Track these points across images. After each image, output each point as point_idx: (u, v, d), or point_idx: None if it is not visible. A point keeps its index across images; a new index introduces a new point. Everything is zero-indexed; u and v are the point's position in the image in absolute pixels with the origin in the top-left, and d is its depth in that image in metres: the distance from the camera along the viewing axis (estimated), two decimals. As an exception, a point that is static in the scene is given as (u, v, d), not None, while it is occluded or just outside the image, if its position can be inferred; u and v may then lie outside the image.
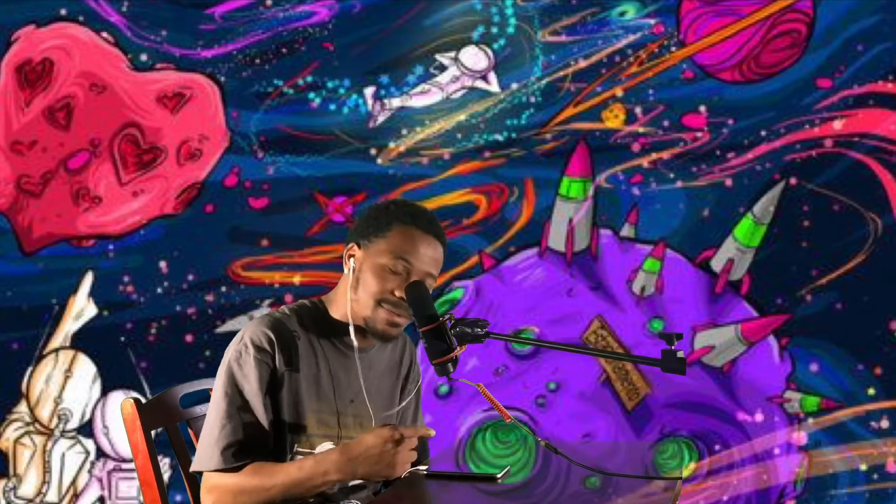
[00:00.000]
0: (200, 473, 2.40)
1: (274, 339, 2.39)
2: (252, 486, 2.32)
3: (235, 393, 2.37)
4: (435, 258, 2.46)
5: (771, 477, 4.17)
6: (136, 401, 2.50)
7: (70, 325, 4.42)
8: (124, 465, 4.39)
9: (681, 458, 4.20)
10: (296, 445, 2.42)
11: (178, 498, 4.25)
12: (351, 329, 2.46)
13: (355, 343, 2.47)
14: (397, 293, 2.41)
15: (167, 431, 2.59)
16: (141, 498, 4.38)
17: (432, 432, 2.36)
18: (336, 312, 2.49)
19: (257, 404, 2.36)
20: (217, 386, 2.40)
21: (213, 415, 2.38)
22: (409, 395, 2.63)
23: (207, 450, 2.35)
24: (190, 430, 2.64)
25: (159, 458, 2.55)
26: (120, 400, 4.37)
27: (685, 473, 4.16)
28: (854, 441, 4.14)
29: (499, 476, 2.44)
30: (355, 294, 2.44)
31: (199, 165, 4.37)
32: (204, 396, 2.66)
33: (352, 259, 2.48)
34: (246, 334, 2.40)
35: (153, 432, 2.54)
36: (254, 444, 2.35)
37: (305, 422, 2.41)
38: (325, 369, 2.46)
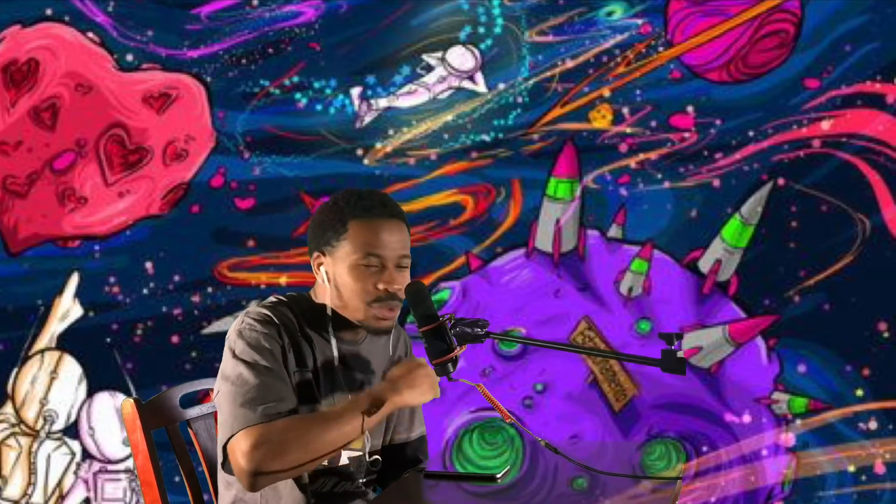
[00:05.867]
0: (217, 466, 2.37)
1: (274, 318, 2.36)
2: (299, 425, 2.25)
3: (251, 363, 2.31)
4: (401, 239, 2.42)
5: (759, 478, 4.16)
6: (137, 401, 2.49)
7: (56, 325, 4.40)
8: (110, 467, 4.38)
9: (668, 460, 4.19)
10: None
11: (170, 499, 4.23)
12: (333, 343, 2.44)
13: (336, 354, 2.44)
14: (381, 286, 2.38)
15: (167, 431, 2.58)
16: (127, 499, 4.37)
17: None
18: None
19: (277, 369, 2.31)
20: (226, 369, 2.33)
21: (231, 389, 2.29)
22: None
23: (239, 413, 2.26)
24: (190, 430, 2.63)
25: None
26: (106, 401, 4.39)
27: (668, 475, 4.14)
28: (842, 442, 4.13)
29: (499, 476, 2.43)
30: (342, 301, 2.41)
31: (185, 166, 4.36)
32: (203, 396, 2.66)
33: (321, 268, 2.44)
34: (246, 317, 2.37)
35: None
36: (286, 402, 2.29)
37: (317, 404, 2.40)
38: (318, 359, 2.43)
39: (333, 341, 2.44)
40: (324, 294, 2.44)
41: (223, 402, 2.31)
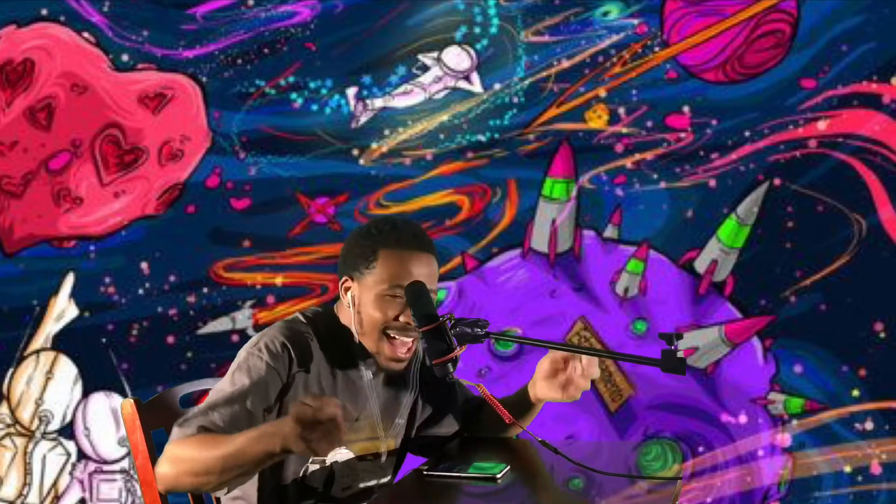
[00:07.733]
0: None
1: (290, 346, 2.38)
2: (192, 453, 2.23)
3: (239, 387, 2.32)
4: (429, 273, 2.44)
5: (755, 479, 4.16)
6: (137, 401, 2.50)
7: (51, 326, 4.40)
8: (105, 467, 4.38)
9: (665, 460, 4.18)
10: (310, 457, 2.40)
11: (170, 499, 4.22)
12: (363, 368, 2.48)
13: (368, 376, 2.49)
14: (402, 319, 2.41)
15: (167, 431, 2.57)
16: (122, 500, 4.37)
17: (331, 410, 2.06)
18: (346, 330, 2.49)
19: (254, 404, 2.31)
20: (227, 374, 2.38)
21: (212, 396, 2.33)
22: (420, 406, 2.69)
23: (184, 422, 2.30)
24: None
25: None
26: (101, 402, 4.38)
27: (669, 475, 4.13)
28: (838, 443, 4.13)
29: (499, 476, 2.43)
30: (361, 328, 2.44)
31: (180, 166, 4.36)
32: (201, 397, 2.66)
33: (349, 293, 2.46)
34: (263, 338, 2.39)
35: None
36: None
37: None
38: (339, 381, 2.46)
39: (363, 367, 2.48)
40: (348, 317, 2.47)
41: (208, 399, 2.34)
